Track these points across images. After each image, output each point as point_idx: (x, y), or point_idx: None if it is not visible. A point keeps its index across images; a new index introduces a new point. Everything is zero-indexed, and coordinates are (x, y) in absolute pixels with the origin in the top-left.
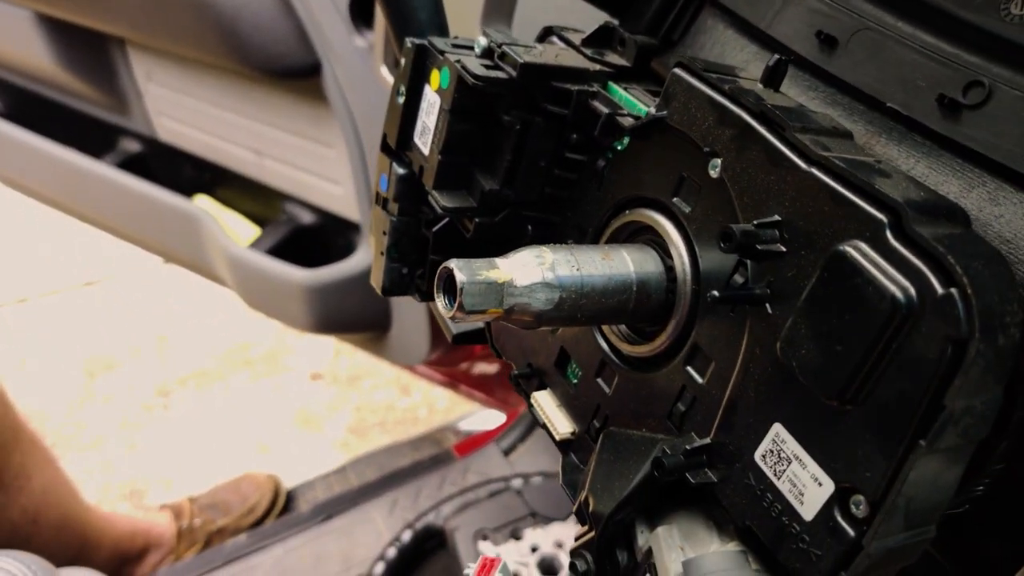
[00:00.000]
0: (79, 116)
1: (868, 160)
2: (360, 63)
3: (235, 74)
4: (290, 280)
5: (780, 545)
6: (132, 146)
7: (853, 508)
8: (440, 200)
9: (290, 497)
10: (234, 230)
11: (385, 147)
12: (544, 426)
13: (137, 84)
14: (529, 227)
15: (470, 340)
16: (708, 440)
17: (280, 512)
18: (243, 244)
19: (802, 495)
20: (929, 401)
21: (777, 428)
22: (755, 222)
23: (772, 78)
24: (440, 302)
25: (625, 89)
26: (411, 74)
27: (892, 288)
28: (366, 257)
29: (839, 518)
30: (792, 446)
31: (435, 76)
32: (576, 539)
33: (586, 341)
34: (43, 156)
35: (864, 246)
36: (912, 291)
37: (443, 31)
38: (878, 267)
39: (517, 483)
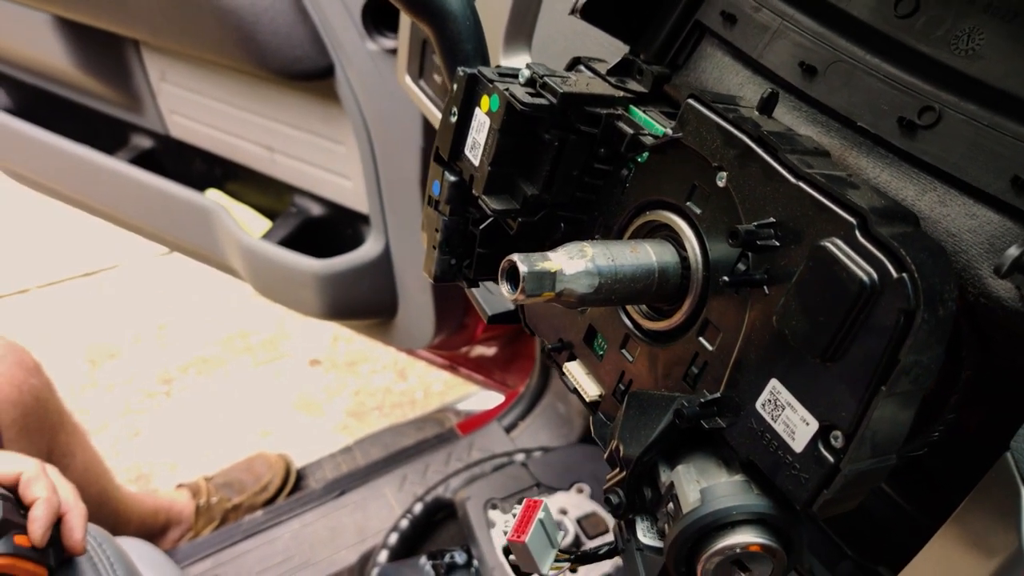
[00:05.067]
0: (91, 113)
1: (842, 175)
2: (372, 66)
3: (248, 74)
4: (303, 269)
5: (777, 473)
6: (144, 142)
7: (832, 441)
8: (490, 203)
9: (299, 476)
10: (246, 222)
11: (438, 158)
12: (575, 390)
13: (151, 84)
14: (562, 225)
15: (504, 321)
16: (718, 394)
17: (291, 490)
18: (255, 235)
19: (793, 433)
20: (888, 356)
21: (773, 382)
22: (755, 223)
23: (766, 107)
24: (504, 288)
25: (644, 112)
26: (463, 98)
27: (860, 273)
28: (375, 247)
29: (822, 449)
30: (785, 395)
31: (485, 101)
32: (608, 479)
33: (612, 319)
34: (57, 152)
35: (839, 242)
36: (875, 275)
37: (485, 60)
38: (850, 258)
39: (520, 457)
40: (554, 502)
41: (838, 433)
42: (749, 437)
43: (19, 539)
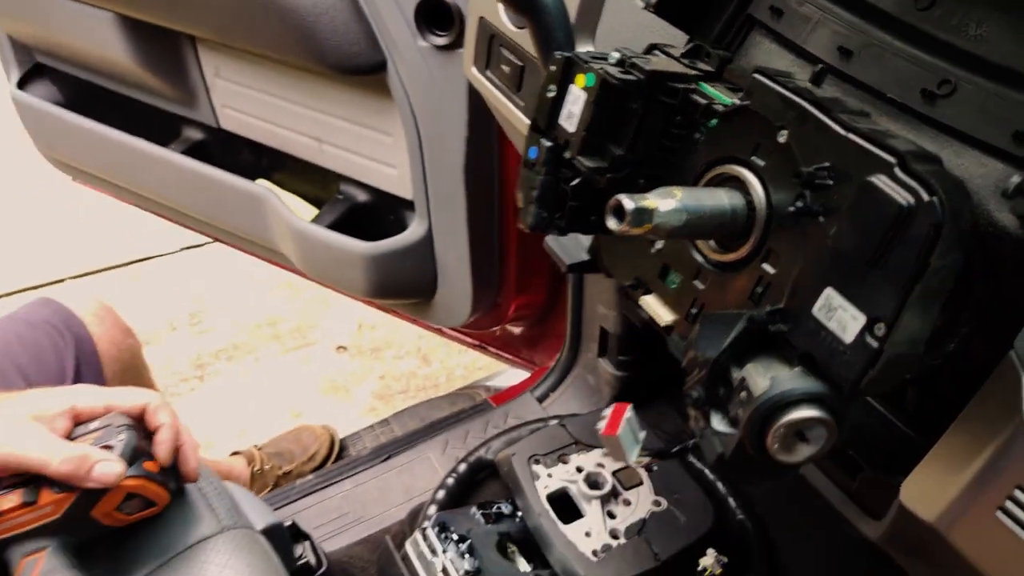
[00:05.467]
0: (142, 107)
1: (881, 128)
2: (422, 61)
3: (301, 69)
4: (352, 251)
5: (831, 361)
6: (195, 134)
7: (876, 331)
8: (585, 163)
9: (342, 447)
10: (295, 208)
11: (535, 128)
12: (650, 319)
13: (205, 79)
14: (641, 181)
15: (581, 269)
16: (781, 305)
17: (335, 460)
18: (307, 220)
19: (845, 328)
20: (921, 260)
21: (828, 290)
22: (813, 167)
23: (816, 79)
24: (612, 222)
25: (712, 86)
26: (560, 77)
27: (900, 199)
28: (418, 230)
29: (868, 338)
30: (838, 300)
31: (580, 78)
32: (688, 381)
33: (684, 255)
34: (112, 144)
35: (883, 176)
36: (911, 199)
37: (572, 45)
38: (891, 188)
39: (555, 421)
40: (591, 458)
41: (881, 324)
42: (807, 335)
43: (147, 464)
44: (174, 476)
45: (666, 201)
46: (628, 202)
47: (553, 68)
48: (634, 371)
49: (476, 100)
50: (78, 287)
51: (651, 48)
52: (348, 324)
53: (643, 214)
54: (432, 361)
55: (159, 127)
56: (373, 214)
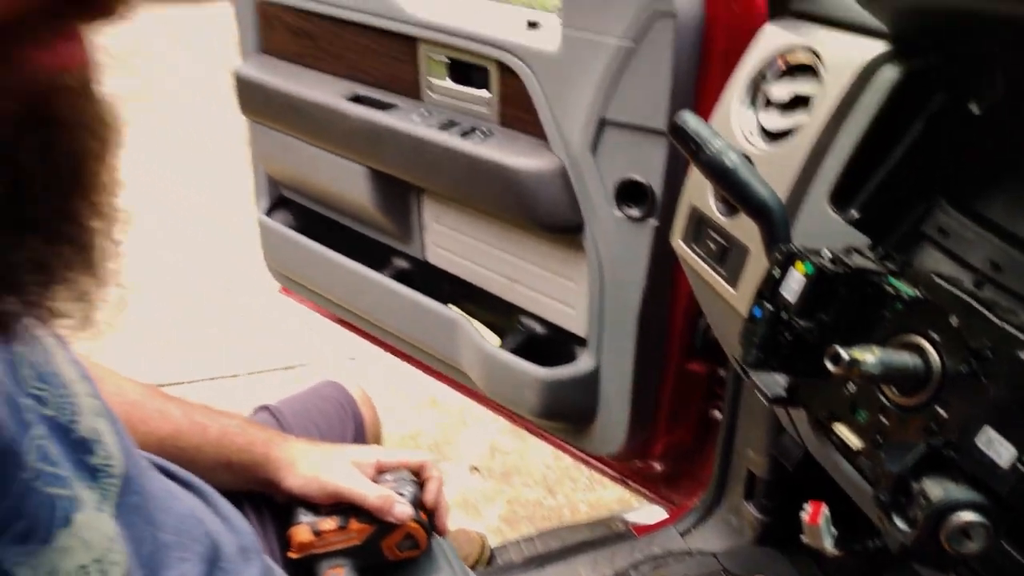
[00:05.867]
0: (360, 237)
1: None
2: (614, 227)
3: (507, 222)
4: (531, 375)
5: (991, 480)
6: (402, 264)
7: None
8: (801, 323)
9: (491, 554)
10: (485, 334)
11: (760, 295)
12: (842, 442)
13: (423, 223)
14: (839, 339)
15: (781, 403)
16: (953, 439)
17: (487, 564)
18: (496, 345)
19: (1000, 456)
20: None
21: (988, 429)
22: (978, 344)
23: (978, 285)
24: (830, 365)
25: (897, 279)
26: (783, 263)
27: None
28: (588, 363)
29: (1019, 465)
30: (995, 435)
31: (800, 265)
32: (876, 490)
33: (871, 396)
34: (337, 267)
35: None
36: None
37: (790, 239)
38: None
39: (700, 553)
40: None
41: None
42: (972, 461)
43: (423, 514)
44: (433, 527)
45: (868, 355)
46: (844, 353)
47: (779, 256)
48: (776, 516)
49: (655, 260)
50: (253, 382)
51: (849, 249)
52: (481, 446)
53: (853, 363)
54: (557, 493)
55: (371, 254)
56: (545, 344)
